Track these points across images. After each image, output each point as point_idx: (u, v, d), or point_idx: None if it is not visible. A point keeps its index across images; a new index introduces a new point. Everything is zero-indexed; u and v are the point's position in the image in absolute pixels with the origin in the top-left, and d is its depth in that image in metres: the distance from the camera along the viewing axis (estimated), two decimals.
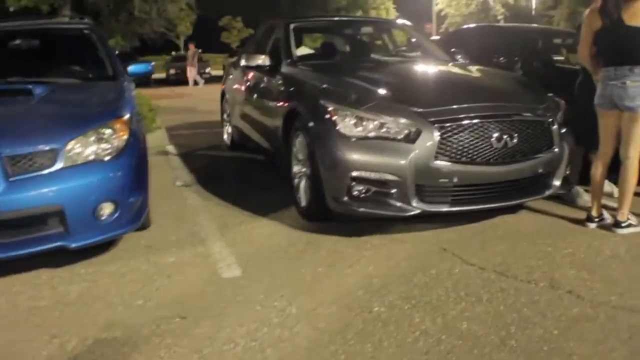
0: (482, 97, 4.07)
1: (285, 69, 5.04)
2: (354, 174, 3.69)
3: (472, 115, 3.76)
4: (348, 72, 4.72)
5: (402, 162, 3.61)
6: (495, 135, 3.75)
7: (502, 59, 6.46)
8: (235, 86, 6.81)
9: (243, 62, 5.40)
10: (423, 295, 3.04)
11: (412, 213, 3.70)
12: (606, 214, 4.15)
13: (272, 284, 3.20)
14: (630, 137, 3.89)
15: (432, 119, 3.69)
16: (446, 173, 3.67)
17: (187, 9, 29.04)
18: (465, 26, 9.29)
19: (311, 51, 5.70)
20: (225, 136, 7.74)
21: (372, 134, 3.72)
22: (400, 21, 7.39)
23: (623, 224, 3.97)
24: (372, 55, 5.90)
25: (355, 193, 3.72)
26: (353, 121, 3.76)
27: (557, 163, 4.13)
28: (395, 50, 6.41)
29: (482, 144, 3.74)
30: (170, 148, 7.72)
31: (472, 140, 3.72)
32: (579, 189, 4.66)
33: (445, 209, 3.79)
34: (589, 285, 3.11)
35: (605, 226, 4.05)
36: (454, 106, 3.82)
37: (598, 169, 4.11)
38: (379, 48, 6.26)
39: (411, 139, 3.66)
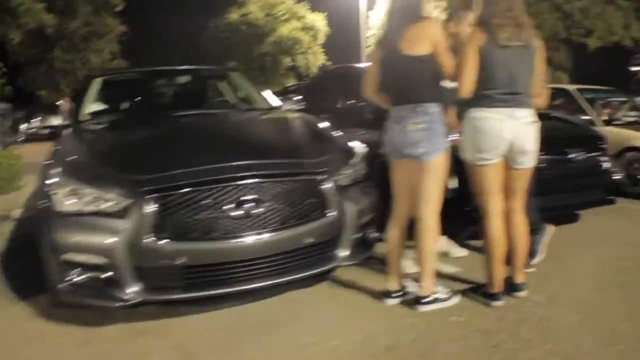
0: (229, 155, 3.31)
1: (69, 131, 4.33)
2: (65, 256, 3.02)
3: (200, 179, 3.07)
4: (112, 135, 4.15)
5: (111, 241, 2.96)
6: (235, 201, 3.04)
7: (353, 101, 5.83)
8: None
9: (37, 123, 4.68)
10: None
11: (131, 302, 2.99)
12: (413, 287, 3.40)
13: None
14: (422, 192, 3.19)
15: (145, 188, 3.01)
16: (169, 253, 2.97)
17: (111, 58, 28.16)
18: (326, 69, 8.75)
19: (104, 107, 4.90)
20: None
21: (86, 209, 3.07)
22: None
23: (424, 300, 3.24)
24: (168, 111, 4.98)
25: (69, 279, 3.03)
26: (67, 194, 3.12)
27: (336, 229, 3.36)
28: (208, 103, 5.54)
29: (216, 214, 3.03)
30: (17, 212, 6.76)
31: (201, 210, 3.02)
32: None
33: (177, 295, 3.07)
34: None
35: (410, 302, 3.30)
36: (180, 170, 3.13)
37: (393, 234, 3.36)
38: (195, 100, 5.41)
39: (122, 213, 2.99)
